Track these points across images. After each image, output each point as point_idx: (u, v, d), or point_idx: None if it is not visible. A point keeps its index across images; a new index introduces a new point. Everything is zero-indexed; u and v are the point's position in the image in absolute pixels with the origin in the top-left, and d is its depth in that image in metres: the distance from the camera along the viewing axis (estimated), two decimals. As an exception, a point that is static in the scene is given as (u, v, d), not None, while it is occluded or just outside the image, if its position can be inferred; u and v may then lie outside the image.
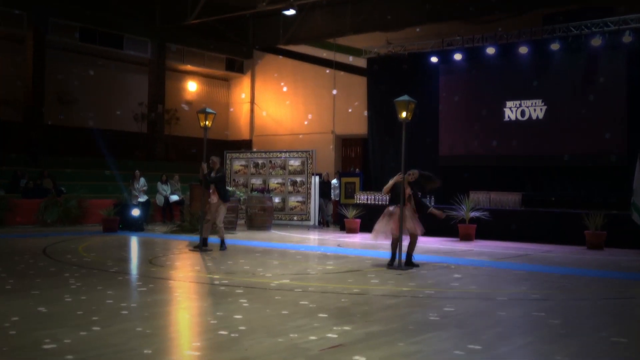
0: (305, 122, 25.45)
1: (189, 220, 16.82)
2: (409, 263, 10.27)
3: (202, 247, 12.21)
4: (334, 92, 24.35)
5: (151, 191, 20.12)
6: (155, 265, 10.09)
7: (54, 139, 22.60)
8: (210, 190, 12.20)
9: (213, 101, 26.76)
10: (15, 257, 10.76)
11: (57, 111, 22.66)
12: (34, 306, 6.54)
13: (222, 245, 12.19)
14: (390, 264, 10.21)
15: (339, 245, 14.25)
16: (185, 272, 9.57)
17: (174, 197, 20.52)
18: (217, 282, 8.48)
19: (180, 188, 20.91)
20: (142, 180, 19.00)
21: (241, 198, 19.22)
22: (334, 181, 21.18)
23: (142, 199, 18.77)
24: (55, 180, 19.77)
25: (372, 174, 20.90)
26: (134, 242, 14.04)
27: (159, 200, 20.26)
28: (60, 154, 22.72)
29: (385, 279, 9.03)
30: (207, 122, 12.59)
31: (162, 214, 20.36)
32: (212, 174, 12.13)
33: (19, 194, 18.66)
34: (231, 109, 28.14)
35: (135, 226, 16.88)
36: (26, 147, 21.19)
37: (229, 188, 18.26)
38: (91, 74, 23.58)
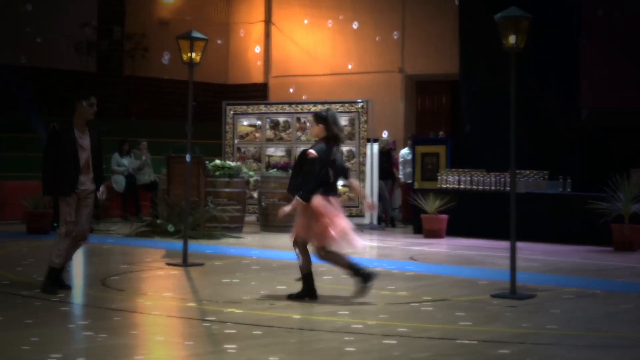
0: (356, 56, 25.34)
1: (166, 215, 16.96)
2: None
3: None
4: (400, 12, 24.14)
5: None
6: (109, 289, 10.18)
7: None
8: None
9: (204, 21, 26.79)
10: None
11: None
12: None
13: None
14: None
15: (412, 259, 14.24)
16: (160, 300, 9.63)
17: (142, 178, 20.66)
18: (212, 317, 8.54)
19: (151, 163, 21.05)
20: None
21: (251, 179, 19.23)
22: (404, 152, 21.06)
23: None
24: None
25: (468, 139, 20.74)
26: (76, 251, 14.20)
27: (117, 183, 20.45)
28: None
29: (487, 314, 9.00)
30: (193, 55, 12.60)
31: (123, 205, 20.55)
32: None
33: None
34: (241, 32, 28.16)
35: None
36: None
37: (232, 163, 18.36)
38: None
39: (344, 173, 10.02)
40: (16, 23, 23.96)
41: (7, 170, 19.91)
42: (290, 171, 18.75)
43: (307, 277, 9.77)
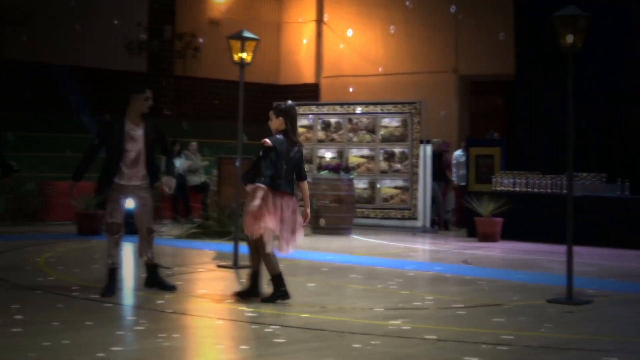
0: (408, 56, 25.24)
1: (217, 218, 16.96)
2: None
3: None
4: (452, 9, 24.02)
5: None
6: (160, 291, 10.18)
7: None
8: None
9: (255, 21, 26.83)
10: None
11: None
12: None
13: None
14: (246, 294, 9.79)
15: (466, 262, 14.15)
16: (210, 303, 9.63)
17: (192, 180, 20.73)
18: (262, 321, 8.51)
19: (202, 164, 21.14)
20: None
21: (302, 181, 19.24)
22: (458, 153, 20.92)
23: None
24: (1, 150, 20.26)
25: (523, 141, 20.59)
26: (127, 251, 14.25)
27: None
28: (6, 107, 23.26)
29: (543, 319, 8.87)
30: (244, 55, 12.58)
31: (173, 206, 20.62)
32: None
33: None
34: (293, 32, 28.15)
35: (130, 226, 17.12)
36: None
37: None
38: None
39: (299, 173, 9.78)
40: (67, 23, 24.18)
41: (58, 170, 20.04)
42: (341, 172, 18.75)
43: (277, 277, 9.60)
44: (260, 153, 9.50)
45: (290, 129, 9.64)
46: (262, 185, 9.27)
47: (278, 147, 9.44)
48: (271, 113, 9.83)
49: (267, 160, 9.37)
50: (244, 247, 13.51)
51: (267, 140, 9.50)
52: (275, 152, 9.41)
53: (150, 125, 9.99)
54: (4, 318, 8.23)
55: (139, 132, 9.87)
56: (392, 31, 25.71)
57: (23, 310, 8.60)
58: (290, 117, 9.69)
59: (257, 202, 9.24)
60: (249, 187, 9.44)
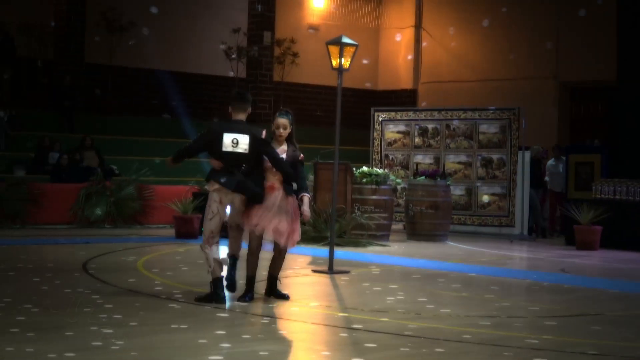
0: (507, 62, 25.04)
1: (313, 223, 17.04)
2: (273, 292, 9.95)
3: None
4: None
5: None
6: (255, 295, 10.25)
7: (101, 89, 23.63)
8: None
9: (353, 27, 26.93)
10: (38, 277, 11.32)
11: (104, 44, 23.67)
12: None
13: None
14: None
15: (563, 271, 13.98)
16: (305, 307, 9.71)
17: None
18: (357, 326, 8.54)
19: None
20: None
21: (399, 187, 19.19)
22: (550, 163, 20.68)
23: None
24: (102, 154, 20.68)
25: (625, 148, 20.25)
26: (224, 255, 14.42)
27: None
28: (108, 111, 23.75)
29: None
30: (342, 61, 12.62)
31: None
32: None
33: (47, 175, 19.66)
34: (392, 37, 28.15)
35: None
36: (58, 101, 22.28)
37: (379, 170, 18.34)
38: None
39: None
40: (167, 30, 24.61)
41: (155, 174, 20.36)
42: (438, 179, 18.68)
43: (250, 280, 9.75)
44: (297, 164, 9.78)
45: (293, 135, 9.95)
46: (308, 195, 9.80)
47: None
48: (286, 121, 9.90)
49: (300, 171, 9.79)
50: (339, 252, 13.67)
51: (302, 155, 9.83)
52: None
53: (252, 135, 9.85)
54: (98, 319, 8.38)
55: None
56: (491, 37, 25.55)
57: (118, 311, 8.77)
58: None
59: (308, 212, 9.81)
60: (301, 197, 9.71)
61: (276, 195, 9.59)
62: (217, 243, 9.57)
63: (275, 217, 9.53)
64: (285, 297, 9.93)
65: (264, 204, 9.51)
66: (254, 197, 9.50)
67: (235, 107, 9.72)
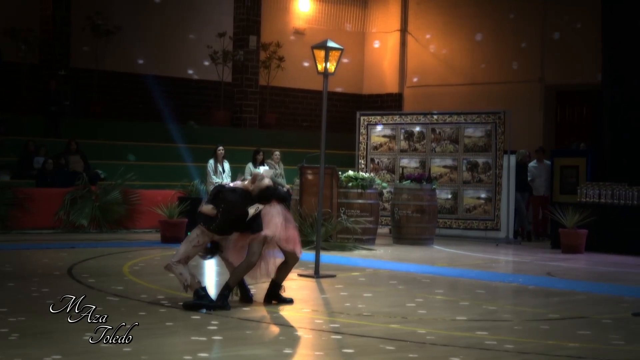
0: (493, 66, 25.09)
1: (299, 227, 17.02)
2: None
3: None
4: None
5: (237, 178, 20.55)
6: (241, 302, 10.27)
7: (86, 92, 23.58)
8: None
9: (338, 31, 26.93)
10: (23, 282, 11.31)
11: (90, 48, 23.63)
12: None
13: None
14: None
15: (549, 274, 14.03)
16: (291, 311, 9.75)
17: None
18: (343, 330, 8.56)
19: (284, 173, 21.21)
20: (227, 163, 19.25)
21: (384, 191, 19.19)
22: (531, 164, 20.70)
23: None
24: (87, 158, 20.63)
25: (610, 152, 20.32)
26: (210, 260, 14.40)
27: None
28: (94, 115, 23.70)
29: (629, 333, 8.76)
30: (328, 65, 12.64)
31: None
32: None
33: (32, 180, 19.60)
34: (377, 42, 28.21)
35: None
36: (42, 105, 22.22)
37: (365, 174, 18.34)
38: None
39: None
40: (153, 34, 24.59)
41: (142, 178, 20.32)
42: (424, 182, 18.69)
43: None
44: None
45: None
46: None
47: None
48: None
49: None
50: (325, 256, 13.68)
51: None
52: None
53: None
54: (83, 324, 8.36)
55: None
56: (477, 41, 25.62)
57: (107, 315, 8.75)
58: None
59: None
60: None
61: (274, 205, 9.85)
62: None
63: (285, 226, 9.90)
64: (289, 302, 10.06)
65: (273, 212, 9.76)
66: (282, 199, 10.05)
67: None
